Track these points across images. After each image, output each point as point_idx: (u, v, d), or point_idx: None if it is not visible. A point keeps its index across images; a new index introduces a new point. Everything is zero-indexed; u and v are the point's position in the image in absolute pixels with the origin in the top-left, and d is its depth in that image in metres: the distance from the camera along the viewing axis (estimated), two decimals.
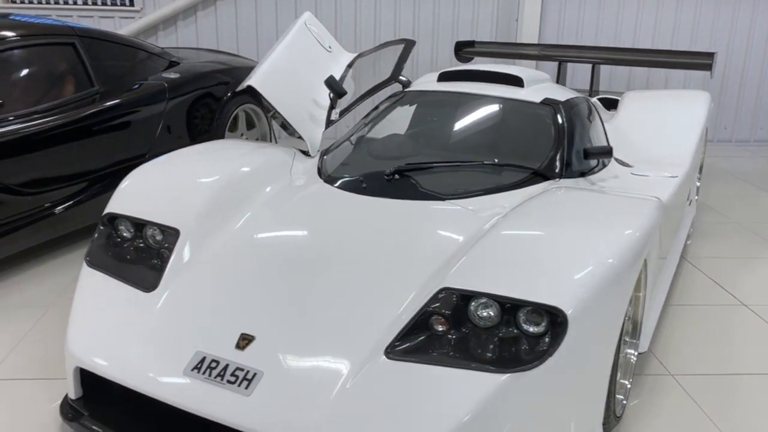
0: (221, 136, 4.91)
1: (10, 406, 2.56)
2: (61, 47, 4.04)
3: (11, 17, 4.20)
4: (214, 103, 4.82)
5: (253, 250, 2.44)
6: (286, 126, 3.32)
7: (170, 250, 2.43)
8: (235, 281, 2.29)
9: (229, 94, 4.93)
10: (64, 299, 3.41)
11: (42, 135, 3.67)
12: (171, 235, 2.47)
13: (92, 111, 3.99)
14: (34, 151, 3.62)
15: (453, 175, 2.84)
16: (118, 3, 6.86)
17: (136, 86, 4.38)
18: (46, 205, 3.75)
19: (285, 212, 2.65)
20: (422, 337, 1.97)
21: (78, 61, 4.10)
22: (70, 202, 3.88)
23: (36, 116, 3.68)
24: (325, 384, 1.89)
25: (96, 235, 2.61)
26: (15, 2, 6.81)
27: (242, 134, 5.23)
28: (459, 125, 3.28)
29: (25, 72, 3.88)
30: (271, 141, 5.54)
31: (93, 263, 2.50)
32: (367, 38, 6.94)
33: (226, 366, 2.00)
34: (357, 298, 2.15)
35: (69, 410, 2.32)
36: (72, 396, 2.32)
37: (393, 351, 1.93)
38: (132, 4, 6.84)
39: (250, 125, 5.35)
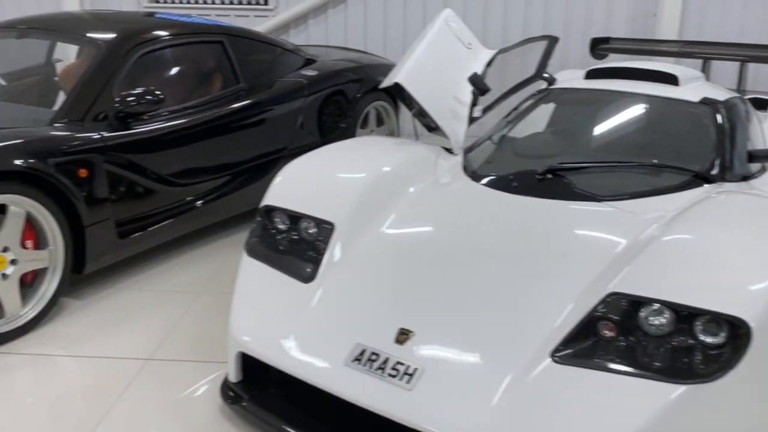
0: (352, 133, 4.99)
1: (171, 385, 2.70)
2: (211, 45, 4.23)
3: (157, 15, 4.44)
4: (344, 101, 4.90)
5: (406, 246, 2.45)
6: (429, 123, 3.33)
7: (325, 243, 2.48)
8: (391, 277, 2.31)
9: (362, 92, 4.99)
10: (212, 286, 3.57)
11: (193, 129, 3.84)
12: (326, 228, 2.52)
13: (238, 107, 4.14)
14: (186, 145, 3.80)
15: (608, 175, 2.74)
16: (253, 2, 7.12)
17: (276, 83, 4.52)
18: (193, 196, 3.93)
19: (434, 209, 2.65)
20: (589, 342, 1.91)
21: (226, 58, 4.28)
22: (215, 194, 4.05)
23: (188, 111, 3.86)
24: (488, 385, 1.87)
25: (254, 226, 2.70)
26: (158, 1, 7.20)
27: (372, 131, 5.29)
28: (610, 124, 3.17)
29: (179, 69, 4.09)
30: (395, 136, 5.58)
31: (252, 253, 2.60)
32: (494, 36, 6.85)
33: (387, 359, 2.02)
34: (516, 298, 2.12)
35: (229, 393, 2.42)
36: (232, 379, 2.41)
37: (560, 355, 1.88)
38: (266, 3, 7.07)
39: (380, 122, 5.40)
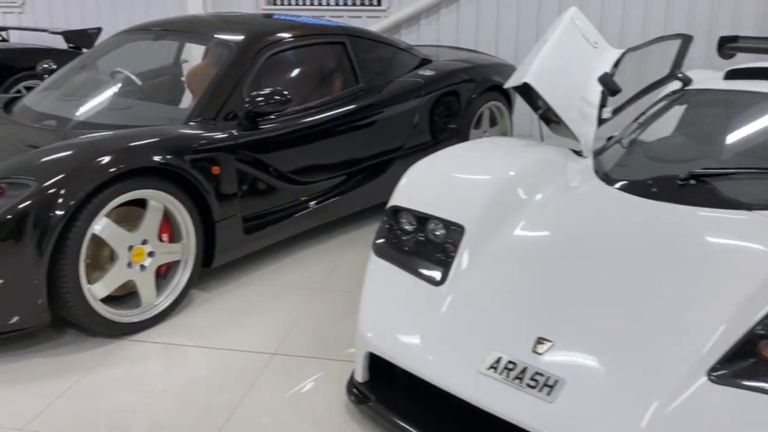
0: (466, 134, 4.94)
1: (297, 381, 2.74)
2: (333, 46, 4.29)
3: (275, 17, 4.54)
4: (459, 101, 4.85)
5: (539, 252, 2.38)
6: (556, 124, 3.23)
7: (455, 246, 2.45)
8: (526, 283, 2.25)
9: (477, 92, 4.93)
10: (330, 284, 3.61)
11: (316, 129, 3.91)
12: (455, 231, 2.49)
13: (357, 107, 4.18)
14: (309, 144, 3.87)
15: (757, 183, 2.56)
16: (366, 3, 7.18)
17: (393, 83, 4.53)
18: (313, 194, 3.99)
19: (566, 213, 2.57)
20: (749, 362, 1.78)
21: (346, 59, 4.33)
22: (334, 193, 4.11)
23: (311, 111, 3.93)
24: (637, 403, 1.78)
25: (381, 226, 2.70)
26: (276, 4, 7.39)
27: (485, 131, 5.22)
28: (755, 128, 2.97)
29: (303, 69, 4.17)
30: (508, 137, 5.47)
31: (380, 253, 2.60)
32: (613, 35, 6.60)
33: (525, 369, 1.96)
34: (663, 311, 2.01)
35: (356, 392, 2.43)
36: (359, 379, 2.42)
37: (717, 374, 1.77)
38: (379, 3, 7.12)
39: (493, 123, 5.32)
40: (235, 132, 3.46)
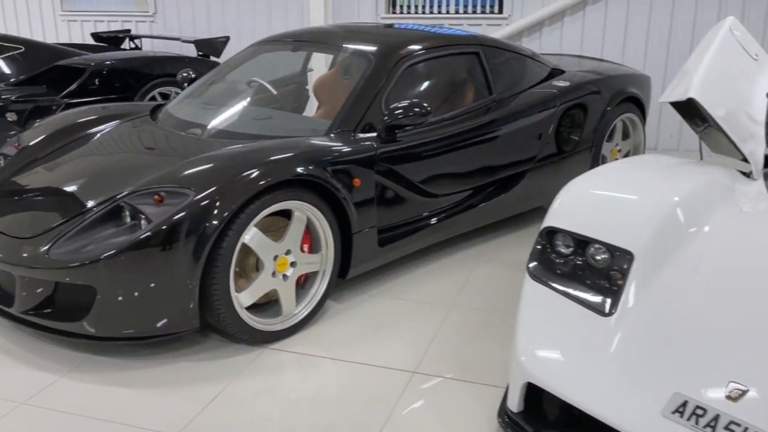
0: (599, 147, 4.74)
1: (442, 403, 2.68)
2: (467, 56, 4.21)
3: (395, 26, 4.50)
4: (589, 113, 4.65)
5: (721, 284, 2.21)
6: (718, 143, 3.03)
7: (623, 273, 2.31)
8: (713, 319, 2.09)
9: (613, 104, 4.73)
10: (462, 300, 3.53)
11: (451, 141, 3.85)
12: (621, 257, 2.34)
13: (492, 118, 4.09)
14: (444, 155, 3.81)
15: None
16: (487, 10, 7.07)
17: (526, 93, 4.40)
18: (445, 207, 3.93)
19: (745, 241, 2.38)
20: None
21: (480, 69, 4.24)
22: (465, 205, 4.03)
23: (447, 122, 3.87)
24: None
25: (534, 247, 2.59)
26: (395, 12, 7.40)
27: (617, 145, 5.00)
28: None
29: (439, 80, 4.12)
30: (643, 152, 5.23)
31: (536, 276, 2.49)
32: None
33: (717, 416, 1.81)
34: None
35: (509, 421, 2.33)
36: (513, 408, 2.32)
37: None
38: (500, 11, 7.00)
39: (625, 136, 5.10)
40: (375, 144, 3.44)
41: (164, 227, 2.73)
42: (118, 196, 2.98)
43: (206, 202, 2.78)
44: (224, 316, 2.89)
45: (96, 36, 7.72)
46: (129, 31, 7.93)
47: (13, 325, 3.18)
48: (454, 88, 4.15)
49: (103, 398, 2.70)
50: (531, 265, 2.54)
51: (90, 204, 3.02)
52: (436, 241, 3.93)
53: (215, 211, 2.78)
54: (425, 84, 4.07)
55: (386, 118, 3.48)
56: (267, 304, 3.20)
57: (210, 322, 2.98)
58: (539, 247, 2.59)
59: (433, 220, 3.84)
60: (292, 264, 3.12)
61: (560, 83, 4.57)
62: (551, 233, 2.58)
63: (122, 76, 6.04)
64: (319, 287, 3.27)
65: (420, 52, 3.92)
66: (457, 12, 7.16)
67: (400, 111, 3.44)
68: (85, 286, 2.78)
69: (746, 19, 6.19)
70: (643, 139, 5.20)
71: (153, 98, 6.31)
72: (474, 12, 7.12)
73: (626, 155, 5.16)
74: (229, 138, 3.49)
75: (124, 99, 6.01)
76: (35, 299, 2.93)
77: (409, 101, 3.47)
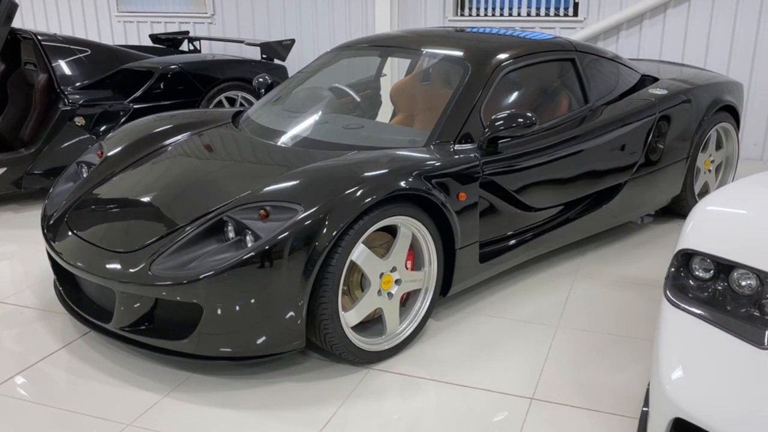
0: (695, 157, 4.52)
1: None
2: (562, 63, 4.03)
3: (468, 30, 4.31)
4: (688, 122, 4.41)
5: None
6: None
7: None
8: None
9: (711, 113, 4.50)
10: (566, 320, 3.35)
11: (552, 152, 3.66)
12: None
13: (591, 128, 3.90)
14: (544, 167, 3.63)
15: None
16: (561, 14, 6.86)
17: (622, 102, 4.21)
18: (543, 221, 3.76)
19: None
20: None
21: (576, 77, 4.06)
22: (562, 219, 3.85)
23: (547, 133, 3.69)
24: None
25: (670, 271, 2.41)
26: (463, 15, 7.23)
27: (710, 155, 4.76)
28: None
29: (537, 88, 3.95)
30: (737, 163, 4.99)
31: (674, 302, 2.30)
32: None
33: None
34: None
35: None
36: None
37: None
38: (576, 14, 6.78)
39: (718, 146, 4.86)
40: (478, 156, 3.28)
41: (274, 244, 2.61)
42: (218, 210, 2.87)
43: (316, 218, 2.66)
44: (331, 336, 2.76)
45: (154, 38, 7.69)
46: (187, 32, 7.89)
47: (106, 341, 3.11)
48: (550, 97, 3.97)
49: (210, 420, 2.59)
50: (669, 290, 2.36)
51: (189, 217, 2.92)
52: (533, 256, 3.76)
53: (325, 228, 2.65)
54: (522, 92, 3.89)
55: (487, 129, 3.31)
56: (367, 323, 3.06)
57: (313, 342, 2.86)
58: (673, 269, 2.41)
59: (531, 235, 3.67)
60: (397, 281, 2.98)
61: (657, 91, 4.36)
62: (687, 256, 2.40)
63: (189, 79, 5.98)
64: (422, 305, 3.12)
65: (517, 59, 3.74)
66: (529, 14, 6.96)
67: (502, 122, 3.27)
68: (191, 303, 2.67)
69: None
70: (737, 149, 4.95)
71: (219, 102, 6.24)
72: (547, 14, 6.91)
73: (718, 166, 4.92)
74: (320, 148, 3.36)
75: (190, 103, 5.96)
76: (134, 315, 2.84)
77: (511, 111, 3.30)
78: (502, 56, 3.69)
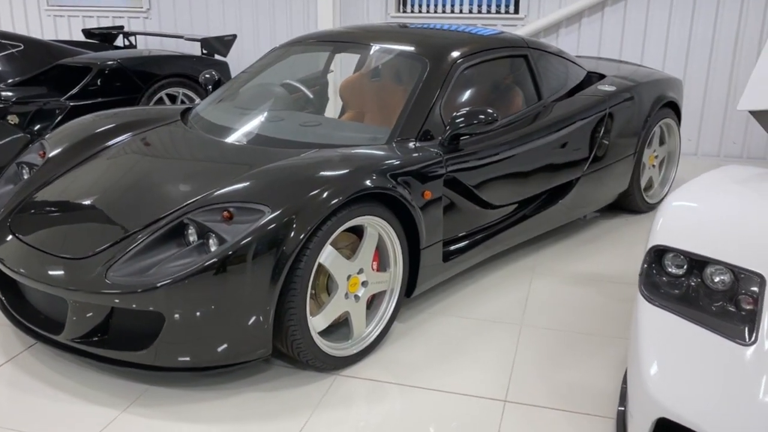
0: (641, 153, 4.61)
1: None
2: (516, 59, 4.04)
3: (411, 26, 4.28)
4: (635, 119, 4.50)
5: None
6: None
7: (754, 298, 2.15)
8: None
9: (656, 109, 4.61)
10: (529, 318, 3.36)
11: (509, 148, 3.66)
12: (750, 280, 2.19)
13: (546, 124, 3.92)
14: (502, 164, 3.63)
15: None
16: (502, 10, 6.91)
17: (573, 98, 4.25)
18: (501, 218, 3.76)
19: None
20: None
21: (529, 73, 4.07)
22: (518, 216, 3.86)
23: (502, 129, 3.68)
24: None
25: (643, 268, 2.43)
26: (405, 12, 7.20)
27: (654, 151, 4.88)
28: None
29: (490, 85, 3.94)
30: (678, 158, 5.13)
31: (650, 299, 2.32)
32: None
33: None
34: None
35: None
36: None
37: None
38: (517, 11, 6.84)
39: (661, 141, 4.98)
40: (443, 153, 3.24)
41: (241, 247, 2.49)
42: (177, 212, 2.73)
43: (284, 220, 2.56)
44: (299, 342, 2.67)
45: (87, 32, 7.36)
46: (122, 27, 7.59)
47: (54, 354, 2.92)
48: (505, 93, 3.97)
49: None
50: (644, 287, 2.37)
51: (145, 221, 2.77)
52: (492, 253, 3.75)
53: (294, 230, 2.55)
54: (479, 89, 3.87)
55: (448, 126, 3.27)
56: (332, 328, 2.97)
57: (278, 348, 2.75)
58: (646, 266, 2.43)
59: (490, 233, 3.66)
60: (363, 283, 2.91)
61: (606, 87, 4.43)
62: (660, 252, 2.42)
63: (129, 76, 5.73)
64: (388, 307, 3.06)
65: (473, 55, 3.73)
66: (470, 11, 6.99)
67: (464, 118, 3.24)
68: (151, 311, 2.53)
69: None
70: (679, 145, 5.09)
71: (160, 99, 6.02)
72: (489, 11, 6.95)
73: (661, 162, 5.05)
74: (278, 146, 3.26)
75: (130, 100, 5.72)
76: (87, 326, 2.67)
77: (472, 108, 3.28)
78: (459, 52, 3.67)
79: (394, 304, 3.07)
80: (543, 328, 3.27)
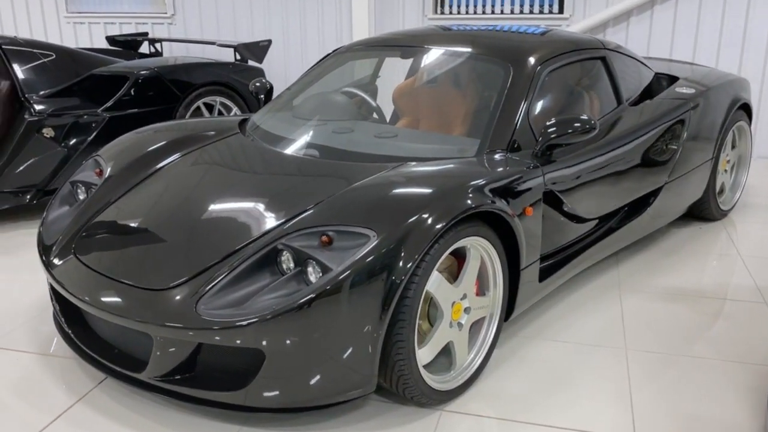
0: (718, 158, 4.37)
1: None
2: (595, 62, 3.79)
3: (453, 28, 4.02)
4: (715, 122, 4.27)
5: None
6: None
7: None
8: None
9: (732, 111, 4.37)
10: (632, 342, 3.11)
11: (600, 157, 3.43)
12: None
13: (633, 129, 3.68)
14: (596, 174, 3.39)
15: None
16: (547, 11, 6.68)
17: (653, 102, 4.01)
18: (593, 231, 3.53)
19: None
20: None
21: (608, 76, 3.83)
22: (608, 227, 3.62)
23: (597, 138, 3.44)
24: None
25: None
26: (443, 14, 6.96)
27: (726, 154, 4.64)
28: None
29: (573, 90, 3.69)
30: (750, 162, 4.88)
31: None
32: None
33: None
34: None
35: None
36: None
37: None
38: (561, 11, 6.61)
39: (732, 145, 4.74)
40: (539, 166, 3.00)
41: (349, 275, 2.24)
42: (266, 237, 2.49)
43: (392, 245, 2.31)
44: (407, 377, 2.42)
45: (111, 40, 7.13)
46: (146, 34, 7.37)
47: (126, 390, 2.68)
48: (588, 97, 3.72)
49: None
50: None
51: (230, 247, 2.52)
52: (581, 269, 3.51)
53: (402, 256, 2.30)
54: (563, 94, 3.63)
55: (541, 136, 3.03)
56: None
57: (379, 384, 2.50)
58: None
59: (580, 247, 3.42)
60: (466, 310, 2.67)
61: (684, 90, 4.19)
62: None
63: (166, 85, 5.50)
64: (489, 333, 2.82)
65: (555, 58, 3.48)
66: (512, 12, 6.75)
67: (559, 127, 2.99)
68: (247, 348, 2.28)
69: None
70: (750, 148, 4.85)
71: (197, 109, 5.78)
72: (531, 12, 6.71)
73: (733, 166, 4.81)
74: (357, 160, 3.01)
75: (167, 110, 5.49)
76: (172, 362, 2.42)
77: (566, 116, 3.03)
78: (541, 55, 3.42)
79: (494, 330, 2.83)
80: (650, 352, 3.02)
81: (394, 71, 4.28)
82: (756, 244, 4.27)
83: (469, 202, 2.52)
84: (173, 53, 7.78)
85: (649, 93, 4.17)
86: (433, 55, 3.78)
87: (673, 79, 4.45)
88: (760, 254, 4.11)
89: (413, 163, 2.88)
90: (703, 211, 4.53)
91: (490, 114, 3.17)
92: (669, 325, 3.25)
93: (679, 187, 4.06)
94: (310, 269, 2.33)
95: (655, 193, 3.88)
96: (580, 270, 3.48)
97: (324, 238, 2.36)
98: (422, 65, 3.98)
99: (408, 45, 3.83)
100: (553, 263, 3.23)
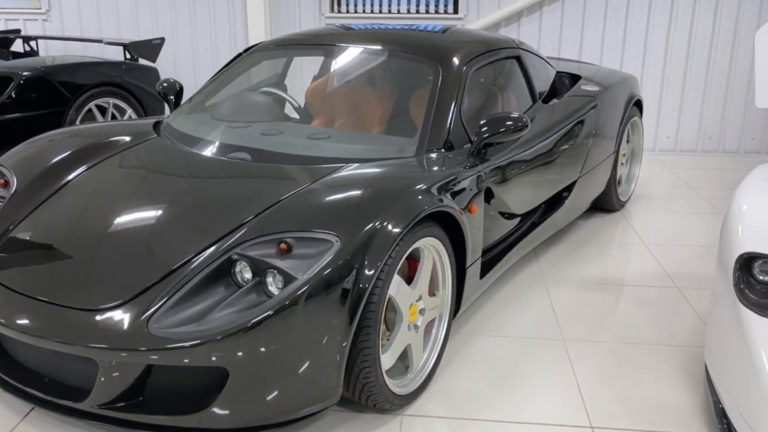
0: (617, 152, 4.63)
1: None
2: (510, 61, 3.90)
3: (354, 27, 4.05)
4: (616, 118, 4.53)
5: None
6: None
7: None
8: None
9: (629, 107, 4.65)
10: (569, 333, 3.22)
11: (532, 154, 3.52)
12: None
13: (552, 125, 3.81)
14: (525, 170, 3.48)
15: None
16: (442, 11, 6.80)
17: (563, 99, 4.18)
18: (521, 226, 3.62)
19: None
20: None
21: (523, 74, 3.95)
22: (533, 222, 3.73)
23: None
24: None
25: (735, 275, 2.34)
26: (341, 12, 6.92)
27: (623, 149, 4.92)
28: None
29: (493, 88, 3.76)
30: (642, 156, 5.21)
31: (759, 310, 2.23)
32: None
33: None
34: None
35: None
36: None
37: None
38: (456, 11, 6.75)
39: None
40: (480, 164, 3.03)
41: (316, 284, 2.16)
42: (216, 247, 2.35)
43: (355, 249, 2.25)
44: (372, 385, 2.37)
45: None
46: (19, 31, 6.81)
47: (57, 420, 2.45)
48: (509, 95, 3.82)
49: None
50: (749, 298, 2.29)
51: (175, 260, 2.36)
52: (512, 263, 3.59)
53: (367, 261, 2.25)
54: (487, 92, 3.69)
55: (476, 135, 3.06)
56: None
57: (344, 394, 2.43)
58: (738, 275, 2.35)
59: (513, 242, 3.50)
60: (421, 311, 2.65)
61: (590, 87, 4.39)
62: (749, 259, 2.35)
63: (55, 86, 5.11)
64: (440, 332, 2.82)
65: (479, 57, 3.54)
66: (408, 11, 6.82)
67: (494, 125, 3.04)
68: (210, 367, 2.15)
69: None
70: (642, 141, 5.17)
71: (89, 112, 5.41)
72: (427, 11, 6.81)
73: (628, 159, 5.10)
74: (295, 163, 2.91)
75: (57, 113, 5.11)
76: (118, 388, 2.24)
77: (499, 114, 3.08)
78: (466, 54, 3.47)
79: (445, 329, 2.83)
80: (587, 341, 3.14)
81: (312, 71, 4.19)
82: (656, 232, 4.56)
83: (424, 203, 2.50)
84: (49, 52, 7.24)
85: (554, 91, 4.34)
86: (354, 54, 3.73)
87: (574, 78, 4.65)
88: (662, 241, 4.39)
89: (356, 165, 2.82)
90: (606, 203, 4.78)
91: (425, 114, 3.17)
92: (598, 314, 3.40)
93: (589, 180, 4.26)
94: (270, 279, 2.23)
95: (569, 188, 4.04)
96: (510, 264, 3.56)
97: (282, 245, 2.27)
98: (343, 64, 3.92)
99: (328, 44, 3.75)
100: (489, 259, 3.28)
